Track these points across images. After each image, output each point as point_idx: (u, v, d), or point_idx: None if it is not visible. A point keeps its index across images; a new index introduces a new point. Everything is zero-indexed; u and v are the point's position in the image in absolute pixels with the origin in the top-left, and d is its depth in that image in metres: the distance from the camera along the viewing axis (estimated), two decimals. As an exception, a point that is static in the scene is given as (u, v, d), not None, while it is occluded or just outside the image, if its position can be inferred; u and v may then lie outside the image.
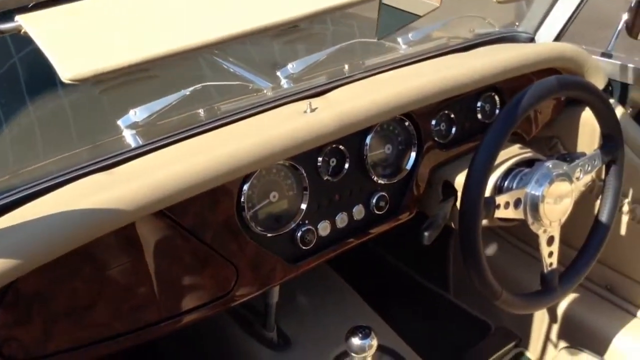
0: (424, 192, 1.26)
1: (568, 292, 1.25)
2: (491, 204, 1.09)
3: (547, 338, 1.64)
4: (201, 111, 1.06)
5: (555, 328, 1.61)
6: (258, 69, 1.19)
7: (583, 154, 1.25)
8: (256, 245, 1.02)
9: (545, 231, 1.17)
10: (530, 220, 1.14)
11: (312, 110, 1.02)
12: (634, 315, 1.50)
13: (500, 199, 1.10)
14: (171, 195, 0.85)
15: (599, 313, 1.52)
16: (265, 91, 1.12)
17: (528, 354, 1.69)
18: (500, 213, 1.11)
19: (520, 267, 1.64)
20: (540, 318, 1.64)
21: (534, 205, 1.13)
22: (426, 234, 1.13)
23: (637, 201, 1.41)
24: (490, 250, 1.73)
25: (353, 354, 1.11)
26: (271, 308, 1.25)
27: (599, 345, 1.48)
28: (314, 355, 1.24)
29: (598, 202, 1.47)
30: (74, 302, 0.86)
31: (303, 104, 1.05)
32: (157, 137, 0.98)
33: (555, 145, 1.53)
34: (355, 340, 1.09)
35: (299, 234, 1.08)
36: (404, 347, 1.24)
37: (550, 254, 1.19)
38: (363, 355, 1.10)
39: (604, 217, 1.28)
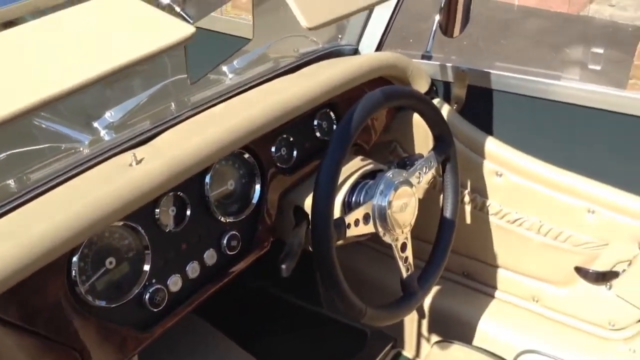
0: (277, 220, 1.23)
1: (429, 291, 1.29)
2: (342, 226, 1.08)
3: (419, 334, 1.68)
4: (11, 182, 0.93)
5: (425, 323, 1.66)
6: (72, 123, 1.08)
7: (421, 156, 1.30)
8: (98, 320, 0.92)
9: (397, 239, 1.19)
10: (381, 232, 1.15)
11: (138, 162, 0.94)
12: (492, 297, 1.59)
13: (350, 218, 1.10)
14: None
15: (461, 301, 1.60)
16: (81, 148, 1.02)
17: (405, 352, 1.73)
18: (351, 232, 1.10)
19: (383, 271, 1.67)
20: (411, 316, 1.68)
21: (383, 217, 1.14)
22: (283, 266, 1.09)
23: (476, 190, 1.50)
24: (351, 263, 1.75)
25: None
26: (133, 377, 1.14)
27: (467, 331, 1.55)
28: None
29: (442, 196, 1.54)
30: None
31: (127, 156, 0.96)
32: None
33: (395, 149, 1.58)
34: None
35: (146, 297, 0.99)
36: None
37: (406, 260, 1.22)
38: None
39: (448, 213, 1.33)
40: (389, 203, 1.14)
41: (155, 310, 1.00)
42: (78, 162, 0.97)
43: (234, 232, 1.13)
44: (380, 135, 1.52)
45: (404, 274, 1.22)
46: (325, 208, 1.04)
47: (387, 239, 1.17)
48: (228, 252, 1.13)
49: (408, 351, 1.72)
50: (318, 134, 1.33)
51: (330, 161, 1.04)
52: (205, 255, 1.09)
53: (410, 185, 1.19)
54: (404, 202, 1.17)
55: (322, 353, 1.74)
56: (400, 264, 1.21)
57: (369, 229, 1.14)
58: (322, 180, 1.04)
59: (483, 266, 1.58)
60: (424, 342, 1.68)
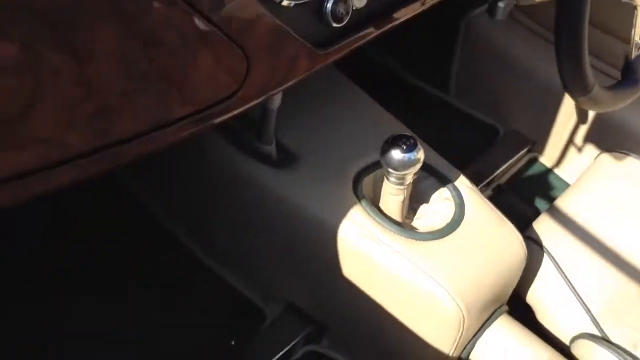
0: None
1: None
2: None
3: (569, 142, 1.44)
4: None
5: (582, 130, 1.40)
6: None
7: None
8: (273, 18, 0.68)
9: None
10: (633, -14, 0.85)
11: None
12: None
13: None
14: None
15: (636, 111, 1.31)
16: None
17: (542, 160, 1.51)
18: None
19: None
20: (561, 121, 1.43)
21: None
22: (500, 4, 0.82)
23: None
24: None
25: (391, 170, 0.85)
26: (271, 114, 0.93)
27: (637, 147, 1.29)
28: (327, 172, 0.96)
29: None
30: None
31: None
32: None
33: None
34: (397, 154, 0.83)
35: (329, 5, 0.73)
36: (442, 162, 0.99)
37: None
38: (405, 172, 0.84)
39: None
40: None
41: (335, 25, 0.75)
42: None
43: None
44: None
45: (633, 54, 0.93)
46: None
47: (633, -3, 0.87)
48: None
49: (547, 159, 1.50)
50: None
51: None
52: None
53: None
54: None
55: (448, 142, 1.52)
56: (634, 39, 0.91)
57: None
58: None
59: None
60: (573, 151, 1.44)
